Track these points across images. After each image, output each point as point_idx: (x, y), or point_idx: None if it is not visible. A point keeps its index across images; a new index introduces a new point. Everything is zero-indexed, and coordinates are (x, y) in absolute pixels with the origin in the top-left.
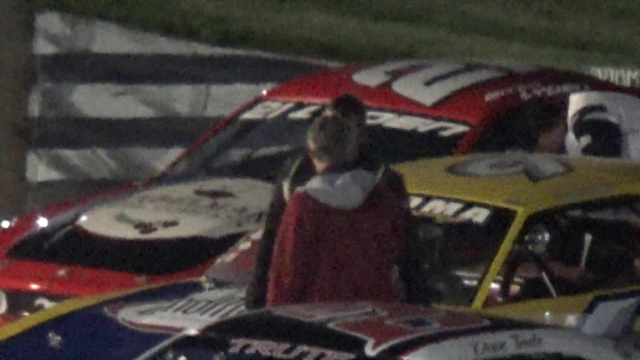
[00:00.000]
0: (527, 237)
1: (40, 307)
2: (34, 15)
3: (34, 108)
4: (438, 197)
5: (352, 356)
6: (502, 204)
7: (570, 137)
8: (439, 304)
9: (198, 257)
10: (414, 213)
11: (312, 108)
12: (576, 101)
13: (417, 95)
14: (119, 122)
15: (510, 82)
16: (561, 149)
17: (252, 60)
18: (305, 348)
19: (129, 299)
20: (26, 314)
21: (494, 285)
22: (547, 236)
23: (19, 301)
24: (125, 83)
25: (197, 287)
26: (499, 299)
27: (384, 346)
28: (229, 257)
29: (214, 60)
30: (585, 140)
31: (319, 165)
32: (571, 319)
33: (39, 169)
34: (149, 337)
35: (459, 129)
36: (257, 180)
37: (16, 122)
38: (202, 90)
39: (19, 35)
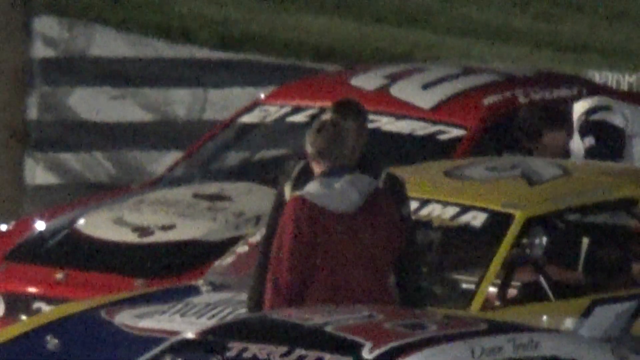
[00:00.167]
0: (524, 241)
1: (38, 310)
2: (31, 19)
3: (32, 111)
4: (436, 201)
5: (350, 359)
6: (499, 208)
7: (576, 139)
8: (436, 307)
9: (196, 261)
10: (412, 217)
11: (310, 112)
12: (583, 103)
13: (415, 99)
14: (116, 125)
15: (508, 86)
16: (565, 154)
17: (249, 63)
18: (302, 351)
19: (126, 303)
20: (24, 317)
21: (492, 289)
22: (544, 240)
23: (17, 304)
24: (122, 86)
25: (195, 290)
26: (497, 303)
27: (381, 349)
28: (227, 260)
29: (211, 63)
30: (589, 141)
31: (317, 168)
32: (569, 323)
33: (37, 172)
34: (147, 341)
35: (457, 132)
36: (255, 183)
37: (14, 125)
38: (199, 94)
39: (17, 38)
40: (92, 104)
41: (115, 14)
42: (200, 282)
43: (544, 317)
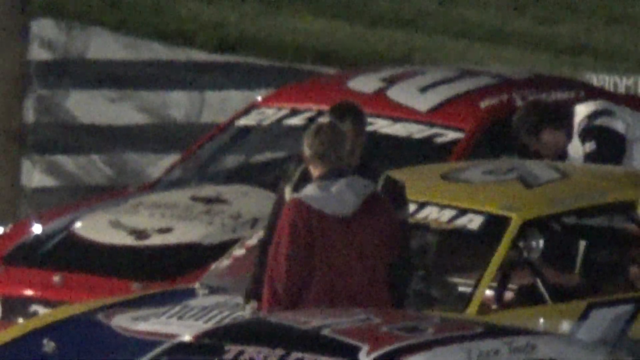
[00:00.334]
0: (521, 244)
1: (35, 313)
2: (28, 21)
3: (29, 114)
4: (433, 204)
5: None
6: (496, 211)
7: (575, 142)
8: (433, 310)
9: (192, 264)
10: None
11: (307, 114)
12: (586, 106)
13: (412, 102)
14: (113, 128)
15: (505, 89)
16: (562, 154)
17: (247, 66)
18: (299, 354)
19: (123, 305)
20: (21, 320)
21: (489, 292)
22: (541, 243)
23: (14, 307)
24: (120, 89)
25: (192, 293)
26: (494, 306)
27: (378, 352)
28: (224, 263)
29: (209, 66)
30: (590, 146)
31: (315, 171)
32: (565, 326)
33: (34, 175)
34: (143, 344)
35: (454, 135)
36: (252, 186)
37: (11, 128)
38: (197, 96)
39: (14, 41)
40: (89, 106)
41: (113, 17)
42: (197, 285)
43: (541, 320)
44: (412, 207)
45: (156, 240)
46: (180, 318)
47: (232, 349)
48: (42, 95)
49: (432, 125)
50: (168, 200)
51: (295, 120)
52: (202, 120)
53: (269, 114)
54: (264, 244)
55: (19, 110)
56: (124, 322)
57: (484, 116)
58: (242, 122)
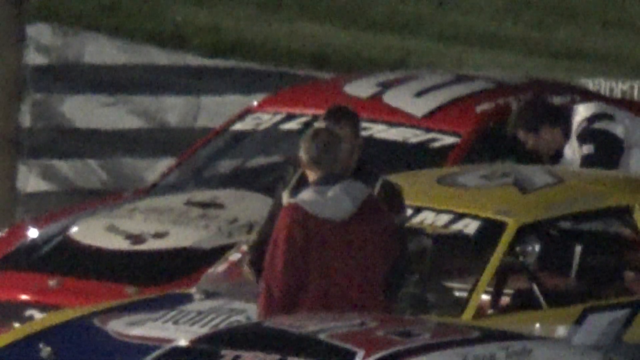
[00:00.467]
0: (517, 249)
1: (31, 317)
2: (24, 26)
3: (25, 118)
4: (428, 209)
5: None
6: (492, 216)
7: (573, 144)
8: (429, 315)
9: (188, 268)
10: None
11: (303, 119)
12: (585, 108)
13: (408, 107)
14: (109, 132)
15: (501, 94)
16: (557, 155)
17: (242, 71)
18: (295, 359)
19: (119, 310)
20: (16, 324)
21: (485, 297)
22: (537, 247)
23: (9, 312)
24: (115, 93)
25: (187, 298)
26: (490, 311)
27: (374, 357)
28: (219, 268)
29: (204, 70)
30: (588, 149)
31: (311, 176)
32: (561, 330)
33: (30, 180)
34: (139, 348)
35: (450, 140)
36: (248, 191)
37: (6, 132)
38: (192, 101)
39: (10, 45)
40: (85, 111)
41: (109, 21)
42: (193, 289)
43: (537, 325)
44: (408, 212)
45: (152, 244)
46: (176, 323)
47: (229, 354)
48: (38, 100)
49: (428, 130)
50: (164, 204)
51: (291, 125)
52: (197, 125)
53: (265, 119)
54: (256, 246)
55: (15, 114)
56: (119, 327)
57: (480, 121)
58: (238, 126)
